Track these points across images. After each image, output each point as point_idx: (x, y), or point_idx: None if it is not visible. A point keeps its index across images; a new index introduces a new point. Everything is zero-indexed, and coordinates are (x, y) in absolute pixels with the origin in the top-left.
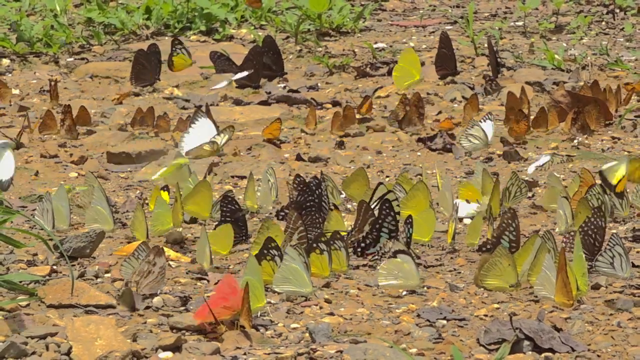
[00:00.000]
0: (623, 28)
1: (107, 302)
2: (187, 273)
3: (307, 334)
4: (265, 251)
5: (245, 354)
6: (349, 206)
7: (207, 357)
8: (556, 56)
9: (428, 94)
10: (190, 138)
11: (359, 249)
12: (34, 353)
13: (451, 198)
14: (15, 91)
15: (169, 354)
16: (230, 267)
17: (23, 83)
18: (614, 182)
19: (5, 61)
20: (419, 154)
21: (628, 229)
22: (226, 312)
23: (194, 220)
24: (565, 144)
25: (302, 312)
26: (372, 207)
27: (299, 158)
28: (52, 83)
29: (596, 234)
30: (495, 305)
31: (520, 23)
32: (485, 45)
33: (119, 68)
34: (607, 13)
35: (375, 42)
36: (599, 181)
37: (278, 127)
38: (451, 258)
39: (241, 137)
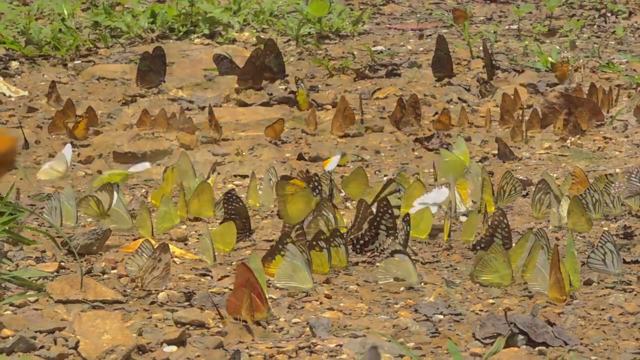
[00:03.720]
0: (614, 31)
1: (114, 297)
2: (191, 269)
3: (307, 329)
4: (280, 246)
5: (247, 347)
6: (348, 204)
7: (210, 350)
8: (549, 59)
9: (425, 95)
10: None
11: (357, 246)
12: (42, 347)
13: (454, 196)
14: (24, 92)
15: (173, 347)
16: (233, 263)
17: (32, 85)
18: None
19: (15, 63)
20: (416, 153)
21: (619, 226)
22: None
23: (197, 219)
24: (558, 143)
25: (302, 307)
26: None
27: (300, 157)
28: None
29: None
30: (491, 301)
31: (514, 26)
32: (481, 48)
33: (125, 70)
34: (599, 17)
35: (374, 45)
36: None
37: (280, 128)
38: (447, 255)
39: (244, 138)
